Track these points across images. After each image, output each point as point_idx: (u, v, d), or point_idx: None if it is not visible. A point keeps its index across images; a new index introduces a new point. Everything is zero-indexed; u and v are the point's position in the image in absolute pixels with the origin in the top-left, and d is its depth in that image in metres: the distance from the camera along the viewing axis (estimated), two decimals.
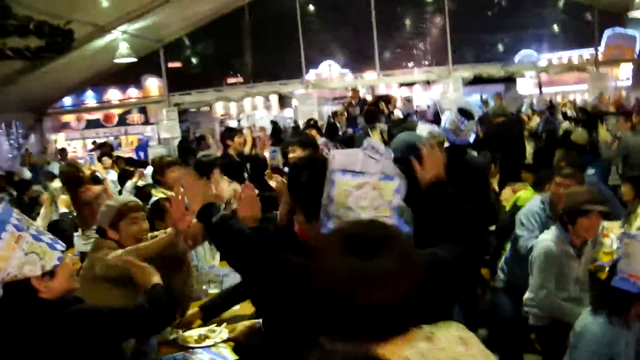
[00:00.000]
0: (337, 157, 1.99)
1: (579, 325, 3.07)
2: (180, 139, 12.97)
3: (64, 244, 2.34)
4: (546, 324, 4.12)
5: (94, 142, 14.92)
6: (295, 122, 18.42)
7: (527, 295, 4.20)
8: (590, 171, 6.61)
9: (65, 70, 11.81)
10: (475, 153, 6.12)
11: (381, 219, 1.85)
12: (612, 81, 14.17)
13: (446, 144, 4.74)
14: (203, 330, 3.53)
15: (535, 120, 11.75)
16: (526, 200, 5.21)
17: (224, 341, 3.41)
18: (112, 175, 10.47)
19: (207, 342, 3.38)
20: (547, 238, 4.15)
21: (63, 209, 6.97)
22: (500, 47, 14.59)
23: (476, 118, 4.67)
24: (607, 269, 2.93)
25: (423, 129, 6.72)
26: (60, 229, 6.36)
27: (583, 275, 4.20)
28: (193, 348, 3.36)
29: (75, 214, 6.29)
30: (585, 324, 3.02)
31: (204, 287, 4.10)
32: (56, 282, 2.26)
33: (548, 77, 16.86)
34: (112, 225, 3.24)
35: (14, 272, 2.16)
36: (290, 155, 5.10)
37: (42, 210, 6.32)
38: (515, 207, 5.27)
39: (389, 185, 1.93)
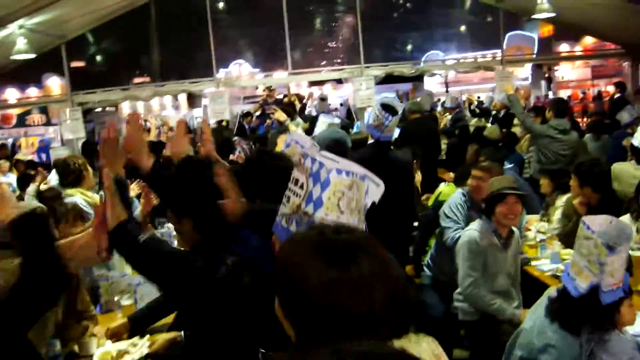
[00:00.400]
0: (319, 157, 1.78)
1: (539, 340, 2.78)
2: (84, 139, 12.35)
3: None
4: (475, 319, 4.09)
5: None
6: (204, 120, 18.08)
7: (457, 290, 4.16)
8: (507, 165, 6.72)
9: None
10: None
11: (361, 224, 1.75)
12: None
13: (370, 141, 4.65)
14: (123, 345, 3.24)
15: (447, 118, 11.96)
16: (448, 195, 5.21)
17: (144, 357, 3.14)
18: (11, 179, 9.85)
19: (126, 359, 3.09)
20: (472, 228, 4.15)
21: None
22: (410, 47, 14.76)
23: (399, 114, 4.60)
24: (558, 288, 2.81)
25: (323, 121, 6.68)
26: None
27: (513, 269, 4.20)
28: None
29: None
30: (552, 339, 2.73)
31: (116, 299, 3.78)
32: None
33: (454, 76, 17.35)
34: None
35: None
36: None
37: None
38: (438, 202, 5.26)
39: (363, 186, 1.78)
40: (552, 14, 11.08)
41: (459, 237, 4.33)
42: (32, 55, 10.79)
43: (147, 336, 3.28)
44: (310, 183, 1.75)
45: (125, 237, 2.21)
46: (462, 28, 14.77)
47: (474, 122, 11.73)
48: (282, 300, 1.35)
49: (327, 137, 4.00)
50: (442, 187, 5.81)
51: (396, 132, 4.61)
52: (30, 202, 3.63)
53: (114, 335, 3.37)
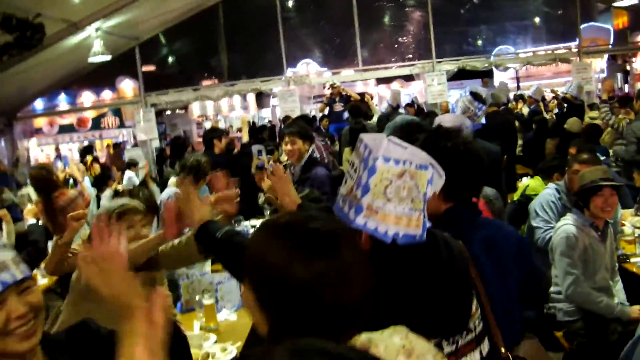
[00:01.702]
0: (368, 141, 1.77)
1: None
2: (156, 139, 12.55)
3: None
4: (577, 319, 3.83)
5: (84, 149, 14.26)
6: (270, 122, 18.13)
7: (552, 288, 3.90)
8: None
9: (35, 71, 11.24)
10: None
11: (415, 213, 1.69)
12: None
13: None
14: (212, 348, 3.15)
15: (525, 110, 11.55)
16: (535, 189, 4.94)
17: None
18: (86, 181, 10.06)
19: None
20: (567, 222, 3.89)
21: (31, 220, 6.47)
22: (481, 41, 14.37)
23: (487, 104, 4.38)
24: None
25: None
26: (31, 241, 5.87)
27: (611, 262, 3.93)
28: None
29: (46, 221, 5.80)
30: None
31: (197, 298, 3.70)
32: None
33: (526, 70, 16.77)
34: None
35: None
36: (288, 147, 4.77)
37: (4, 226, 5.83)
38: (525, 197, 5.00)
39: (425, 175, 1.72)
40: (635, 1, 10.56)
41: (550, 237, 4.08)
42: (108, 58, 11.00)
43: (239, 343, 3.18)
44: (361, 168, 1.75)
45: (205, 235, 2.20)
46: (536, 20, 14.29)
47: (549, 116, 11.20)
48: (258, 292, 1.29)
49: (402, 120, 3.83)
50: (528, 180, 5.53)
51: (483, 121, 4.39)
52: (125, 199, 3.41)
53: None
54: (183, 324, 3.64)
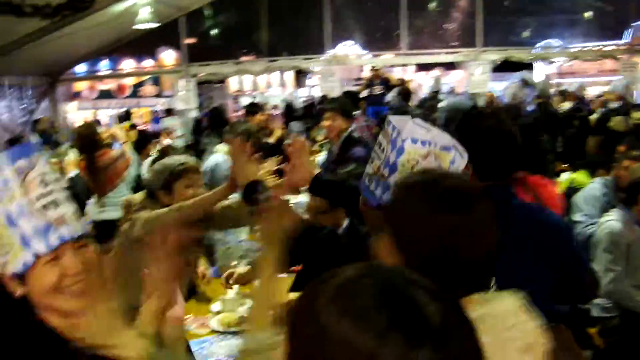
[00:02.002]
0: (396, 123, 1.83)
1: None
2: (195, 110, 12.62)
3: (58, 239, 1.44)
4: (613, 316, 3.78)
5: (121, 113, 14.47)
6: (306, 101, 18.10)
7: None
8: None
9: (81, 35, 11.36)
10: None
11: None
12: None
13: None
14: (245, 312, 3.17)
15: (566, 105, 11.35)
16: (582, 182, 4.86)
17: None
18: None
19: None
20: (611, 218, 3.82)
21: (73, 171, 6.54)
22: (526, 33, 14.12)
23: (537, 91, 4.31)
24: None
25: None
26: (73, 194, 5.96)
27: None
28: (223, 333, 3.01)
29: (87, 180, 5.87)
30: None
31: (233, 264, 3.72)
32: (31, 290, 1.45)
33: (568, 67, 16.42)
34: (164, 187, 2.85)
35: None
36: (327, 123, 4.73)
37: None
38: (571, 189, 4.92)
39: (447, 156, 1.80)
40: None
41: (591, 233, 4.01)
42: (154, 25, 11.08)
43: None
44: (389, 148, 1.81)
45: (250, 195, 2.24)
46: (585, 14, 13.98)
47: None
48: (397, 240, 1.36)
49: (453, 104, 3.79)
50: (570, 175, 5.45)
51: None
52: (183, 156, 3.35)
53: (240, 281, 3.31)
54: (218, 288, 3.67)
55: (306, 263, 3.27)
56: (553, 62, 13.57)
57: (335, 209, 3.16)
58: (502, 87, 11.77)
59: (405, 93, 8.49)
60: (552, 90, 14.36)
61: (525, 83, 4.37)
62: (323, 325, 0.78)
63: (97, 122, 14.57)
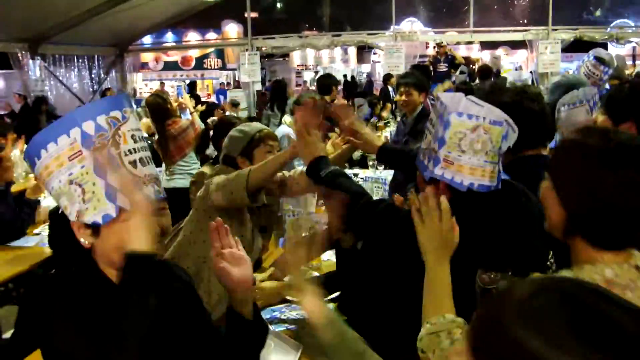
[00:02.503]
0: (446, 99, 1.88)
1: None
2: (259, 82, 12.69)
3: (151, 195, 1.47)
4: None
5: (189, 84, 14.75)
6: (369, 76, 17.96)
7: None
8: None
9: (147, 7, 11.58)
10: None
11: (489, 165, 1.83)
12: None
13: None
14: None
15: None
16: None
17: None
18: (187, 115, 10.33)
19: None
20: None
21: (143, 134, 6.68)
22: (600, 12, 13.61)
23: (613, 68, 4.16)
24: None
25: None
26: None
27: None
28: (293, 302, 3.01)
29: (157, 148, 5.97)
30: None
31: (304, 234, 3.73)
32: (101, 243, 1.45)
33: None
34: (244, 154, 2.85)
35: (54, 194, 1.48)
36: (403, 97, 4.69)
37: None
38: None
39: (498, 130, 1.83)
40: None
41: None
42: None
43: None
44: (438, 122, 1.88)
45: (313, 172, 2.26)
46: None
47: None
48: (561, 193, 1.40)
49: (565, 81, 3.64)
50: None
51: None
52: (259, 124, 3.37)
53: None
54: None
55: (366, 239, 3.28)
56: (630, 41, 12.98)
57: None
58: (574, 66, 11.42)
59: (485, 70, 8.32)
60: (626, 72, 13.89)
61: (601, 60, 4.19)
62: (514, 339, 0.74)
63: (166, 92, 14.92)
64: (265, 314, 2.81)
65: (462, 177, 1.83)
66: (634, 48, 15.55)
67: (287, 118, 5.23)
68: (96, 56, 13.69)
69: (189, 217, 2.89)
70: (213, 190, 2.67)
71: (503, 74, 10.55)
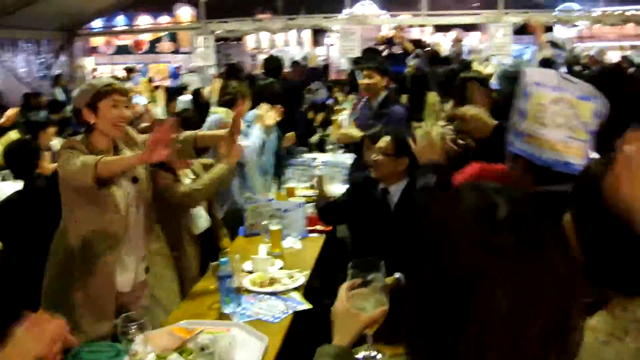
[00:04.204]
0: (530, 72, 1.80)
1: None
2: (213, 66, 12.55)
3: None
4: None
5: (126, 69, 14.48)
6: (325, 60, 17.90)
7: None
8: None
9: None
10: None
11: (575, 142, 1.68)
12: None
13: None
14: (278, 274, 3.20)
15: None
16: None
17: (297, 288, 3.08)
18: (143, 100, 10.18)
19: (278, 288, 3.04)
20: None
21: None
22: None
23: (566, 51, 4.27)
24: None
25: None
26: None
27: None
28: (258, 293, 3.04)
29: None
30: None
31: (264, 222, 3.73)
32: None
33: (588, 30, 16.08)
34: (89, 106, 2.85)
35: None
36: (366, 81, 4.71)
37: None
38: None
39: (587, 106, 1.71)
40: None
41: None
42: None
43: (307, 272, 3.22)
44: (521, 96, 1.81)
45: None
46: None
47: None
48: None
49: (512, 70, 3.72)
50: None
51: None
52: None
53: None
54: (247, 247, 3.70)
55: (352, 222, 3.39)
56: (575, 25, 13.28)
57: (401, 157, 3.31)
58: (528, 51, 11.63)
59: (435, 55, 8.38)
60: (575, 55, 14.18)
61: (554, 45, 4.30)
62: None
63: (116, 77, 14.61)
64: (233, 307, 2.82)
65: (541, 151, 1.71)
66: (578, 31, 15.88)
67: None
68: (44, 40, 13.30)
69: None
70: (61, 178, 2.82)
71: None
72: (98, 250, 2.82)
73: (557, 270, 0.90)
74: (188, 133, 3.30)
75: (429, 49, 11.14)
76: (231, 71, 8.90)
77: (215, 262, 3.01)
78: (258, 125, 4.26)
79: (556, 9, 12.96)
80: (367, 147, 3.47)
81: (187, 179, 3.66)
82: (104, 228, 2.82)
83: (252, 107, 4.52)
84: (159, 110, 6.98)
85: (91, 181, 2.61)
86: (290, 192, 4.73)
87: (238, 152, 3.25)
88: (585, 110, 1.72)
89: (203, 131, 3.57)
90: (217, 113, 4.37)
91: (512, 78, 3.52)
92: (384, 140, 3.35)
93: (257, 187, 4.32)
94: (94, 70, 16.02)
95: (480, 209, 0.93)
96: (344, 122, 7.33)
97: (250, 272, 3.26)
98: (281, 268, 3.32)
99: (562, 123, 1.71)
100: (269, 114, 4.28)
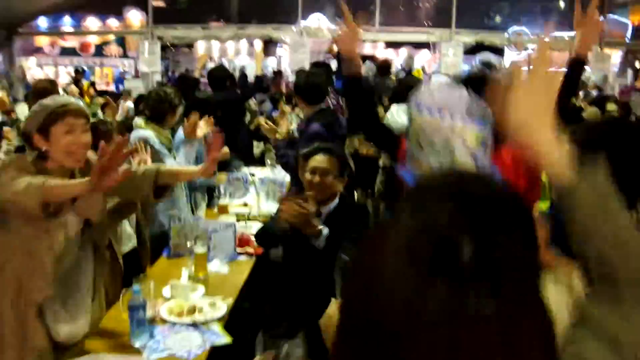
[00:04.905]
0: (420, 90, 1.66)
1: None
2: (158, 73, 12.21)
3: None
4: None
5: (75, 70, 13.92)
6: (275, 70, 17.73)
7: None
8: None
9: None
10: None
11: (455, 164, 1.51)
12: None
13: None
14: (199, 302, 2.93)
15: None
16: None
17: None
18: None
19: (197, 318, 2.78)
20: None
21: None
22: (499, 18, 14.01)
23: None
24: None
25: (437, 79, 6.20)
26: None
27: None
28: (175, 324, 2.77)
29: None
30: None
31: (189, 244, 3.47)
32: None
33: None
34: (40, 130, 2.42)
35: None
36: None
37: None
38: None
39: (472, 132, 1.53)
40: None
41: None
42: None
43: (229, 300, 2.97)
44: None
45: None
46: (560, 4, 13.95)
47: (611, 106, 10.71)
48: None
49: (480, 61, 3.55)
50: None
51: None
52: (70, 98, 2.92)
53: None
54: (170, 270, 3.44)
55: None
56: (527, 48, 13.44)
57: (341, 177, 3.19)
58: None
59: (385, 67, 8.22)
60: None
61: (487, 65, 4.23)
62: None
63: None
64: (143, 340, 2.55)
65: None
66: (529, 55, 16.03)
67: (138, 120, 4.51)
68: None
69: None
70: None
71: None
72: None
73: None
74: (149, 166, 2.78)
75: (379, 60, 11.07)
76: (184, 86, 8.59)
77: (127, 289, 2.74)
78: (187, 144, 4.05)
79: (507, 31, 13.07)
80: (301, 166, 3.26)
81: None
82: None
83: (183, 118, 4.26)
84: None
85: (36, 205, 2.22)
86: (222, 210, 4.47)
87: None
88: (470, 136, 1.54)
89: (166, 165, 3.06)
90: (143, 129, 4.08)
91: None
92: (321, 160, 3.15)
93: (182, 202, 4.07)
94: (29, 69, 15.40)
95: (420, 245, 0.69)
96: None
97: (169, 299, 2.98)
98: (204, 295, 3.06)
99: (439, 148, 1.55)
100: (198, 124, 4.05)
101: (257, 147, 7.73)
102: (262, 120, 4.85)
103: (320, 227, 2.90)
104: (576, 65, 2.61)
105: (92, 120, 2.66)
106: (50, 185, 2.25)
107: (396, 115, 6.13)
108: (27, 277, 2.38)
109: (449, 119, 1.52)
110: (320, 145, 3.26)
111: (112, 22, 15.15)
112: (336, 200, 3.18)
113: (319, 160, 3.15)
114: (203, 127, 4.09)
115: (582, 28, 2.61)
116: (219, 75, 6.52)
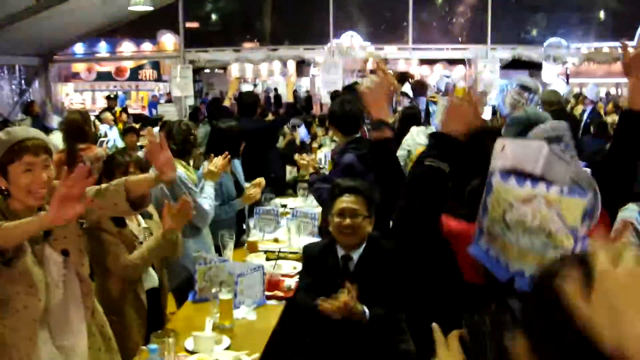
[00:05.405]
0: (508, 146, 1.34)
1: None
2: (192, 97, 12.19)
3: None
4: None
5: (107, 97, 13.99)
6: (308, 92, 17.61)
7: None
8: None
9: (75, 14, 10.94)
10: None
11: (557, 249, 1.21)
12: None
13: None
14: (223, 356, 2.74)
15: (579, 110, 10.87)
16: None
17: None
18: (114, 133, 9.78)
19: None
20: None
21: None
22: (535, 31, 13.64)
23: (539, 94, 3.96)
24: None
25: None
26: None
27: None
28: None
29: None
30: None
31: (214, 290, 3.26)
32: None
33: (576, 67, 15.81)
34: None
35: None
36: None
37: None
38: None
39: (575, 203, 1.23)
40: None
41: None
42: (149, 8, 10.56)
43: (256, 355, 2.77)
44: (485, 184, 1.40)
45: None
46: (601, 14, 13.49)
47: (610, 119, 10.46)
48: None
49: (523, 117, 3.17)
50: None
51: None
52: (29, 131, 2.69)
53: None
54: (194, 317, 3.24)
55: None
56: (566, 61, 12.97)
57: (369, 219, 3.04)
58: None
59: (420, 85, 8.02)
60: (563, 93, 13.91)
61: (525, 88, 4.01)
62: None
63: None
64: None
65: (507, 259, 1.29)
66: (567, 68, 15.55)
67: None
68: (17, 66, 12.88)
69: None
70: None
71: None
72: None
73: None
74: (116, 180, 2.57)
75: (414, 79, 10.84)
76: (214, 109, 8.48)
77: (144, 348, 2.55)
78: (209, 181, 3.97)
79: (544, 44, 12.69)
80: (328, 210, 3.08)
81: (134, 224, 3.26)
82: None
83: (208, 151, 4.17)
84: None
85: None
86: (252, 247, 4.28)
87: (173, 165, 2.48)
88: (572, 209, 1.25)
89: (132, 176, 2.83)
90: None
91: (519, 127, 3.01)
92: (348, 201, 2.95)
93: (208, 241, 3.92)
94: (67, 95, 15.59)
95: None
96: (321, 161, 6.93)
97: (192, 353, 2.79)
98: (228, 347, 2.86)
99: (535, 227, 1.27)
100: (213, 163, 3.96)
101: (290, 173, 7.55)
102: (297, 157, 4.73)
103: (360, 307, 2.81)
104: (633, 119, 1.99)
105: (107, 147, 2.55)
106: (2, 227, 2.07)
107: (416, 136, 5.92)
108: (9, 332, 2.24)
109: (546, 188, 1.26)
110: (346, 184, 3.06)
111: (146, 46, 15.27)
112: (364, 243, 2.99)
113: (347, 201, 2.95)
114: (218, 165, 4.03)
115: (635, 72, 2.02)
116: (249, 101, 6.37)
